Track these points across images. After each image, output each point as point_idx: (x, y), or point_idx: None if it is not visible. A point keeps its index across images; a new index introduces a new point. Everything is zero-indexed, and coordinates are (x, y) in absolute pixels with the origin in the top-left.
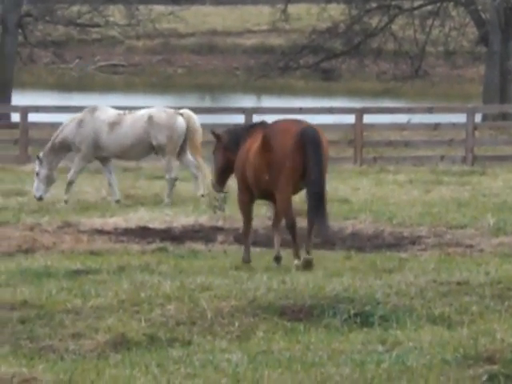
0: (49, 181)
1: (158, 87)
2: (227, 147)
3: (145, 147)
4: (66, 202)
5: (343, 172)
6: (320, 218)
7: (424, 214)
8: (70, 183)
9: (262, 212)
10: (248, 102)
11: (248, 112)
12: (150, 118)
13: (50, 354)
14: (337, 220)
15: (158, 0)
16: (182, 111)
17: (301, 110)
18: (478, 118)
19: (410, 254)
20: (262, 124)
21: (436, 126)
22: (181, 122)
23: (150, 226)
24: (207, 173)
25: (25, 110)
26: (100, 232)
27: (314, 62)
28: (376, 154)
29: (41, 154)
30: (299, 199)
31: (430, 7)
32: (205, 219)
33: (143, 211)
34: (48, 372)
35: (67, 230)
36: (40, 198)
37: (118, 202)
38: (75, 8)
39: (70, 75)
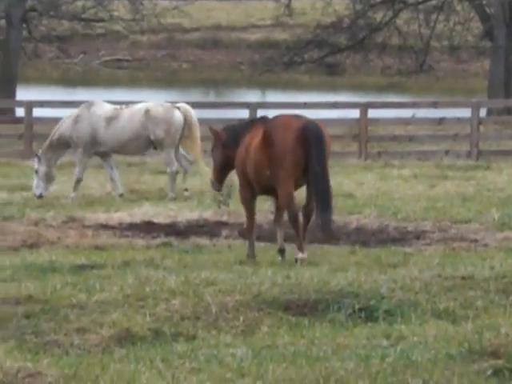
0: (48, 178)
1: (163, 82)
2: (226, 144)
3: (143, 142)
4: (73, 199)
5: (348, 167)
6: (326, 214)
7: (429, 209)
8: (78, 181)
9: (266, 207)
10: (252, 96)
11: (252, 107)
12: (147, 111)
13: (55, 348)
14: (341, 215)
15: None
16: (178, 105)
17: (305, 105)
18: (482, 112)
19: (414, 249)
20: (263, 119)
21: (441, 121)
22: (178, 115)
23: (155, 220)
24: (203, 167)
25: (29, 105)
26: (105, 227)
27: (319, 56)
28: (380, 149)
29: (39, 152)
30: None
31: (434, 2)
32: (209, 214)
33: (148, 206)
34: (53, 367)
35: (72, 224)
36: (40, 196)
37: (121, 196)
38: (80, 3)
39: (74, 70)
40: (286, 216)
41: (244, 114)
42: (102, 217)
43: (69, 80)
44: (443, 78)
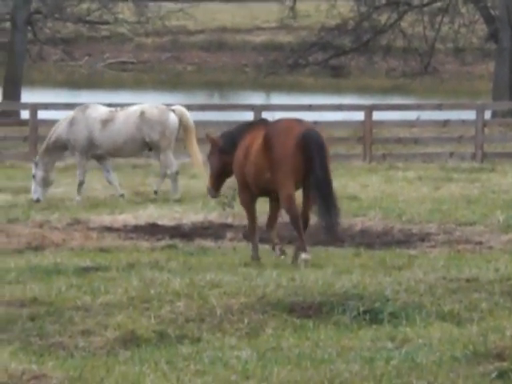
0: (45, 183)
1: (167, 84)
2: (223, 151)
3: (138, 144)
4: (78, 202)
5: (352, 169)
6: (332, 217)
7: (433, 211)
8: (80, 184)
9: None
10: (257, 99)
11: (257, 109)
12: (142, 114)
13: (60, 350)
14: (346, 217)
15: None
16: (174, 107)
17: (310, 107)
18: (487, 114)
19: (419, 251)
20: (263, 121)
21: (445, 123)
22: (173, 118)
23: (160, 223)
24: (201, 169)
25: (34, 108)
26: (109, 229)
27: (323, 59)
28: (385, 151)
29: (36, 157)
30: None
31: (439, 4)
32: (214, 216)
33: (152, 208)
34: (58, 369)
35: (77, 227)
36: (37, 201)
37: (122, 196)
38: (84, 5)
39: (79, 72)
40: (287, 218)
41: (249, 116)
42: (106, 219)
43: (73, 82)
44: (448, 80)
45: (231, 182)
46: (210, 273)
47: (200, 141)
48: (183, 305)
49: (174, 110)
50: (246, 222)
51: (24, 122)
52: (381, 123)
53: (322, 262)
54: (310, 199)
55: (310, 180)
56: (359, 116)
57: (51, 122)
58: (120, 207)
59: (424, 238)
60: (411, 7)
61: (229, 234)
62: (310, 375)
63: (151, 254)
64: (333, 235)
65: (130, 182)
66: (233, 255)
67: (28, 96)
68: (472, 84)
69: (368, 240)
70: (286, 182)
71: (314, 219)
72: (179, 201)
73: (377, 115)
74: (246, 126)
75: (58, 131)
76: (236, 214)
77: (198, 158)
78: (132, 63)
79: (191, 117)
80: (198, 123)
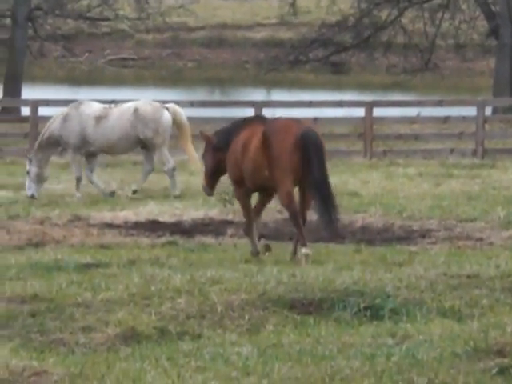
0: (39, 179)
1: (168, 81)
2: (217, 148)
3: (131, 141)
4: (78, 198)
5: (353, 165)
6: (332, 215)
7: (434, 208)
8: (78, 180)
9: (272, 206)
10: (258, 95)
11: (258, 105)
12: (136, 111)
13: (61, 347)
14: (347, 213)
15: None
16: (167, 105)
17: (311, 104)
18: (488, 111)
19: (419, 248)
20: (258, 118)
21: (446, 119)
22: (167, 115)
23: (160, 219)
24: (197, 166)
25: (35, 104)
26: (110, 226)
27: (324, 55)
28: (386, 148)
29: (30, 154)
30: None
31: (439, 0)
32: (215, 213)
33: (153, 205)
34: (58, 365)
35: (77, 223)
36: (32, 197)
37: (113, 194)
38: (85, 1)
39: (79, 69)
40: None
41: (249, 112)
42: (107, 215)
43: (74, 79)
44: (449, 77)
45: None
46: (210, 269)
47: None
48: (184, 301)
49: (167, 108)
50: None
51: (25, 119)
52: (381, 119)
53: (322, 258)
54: (306, 199)
55: (308, 180)
56: (360, 112)
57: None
58: (120, 204)
59: (425, 234)
60: (412, 3)
61: (229, 231)
62: (311, 371)
63: (152, 250)
64: (333, 232)
65: (131, 178)
66: (233, 251)
67: (29, 92)
68: (473, 80)
69: (369, 236)
70: (285, 179)
71: (313, 216)
72: (180, 197)
73: (377, 111)
74: (241, 123)
75: (52, 128)
76: (236, 211)
77: (194, 155)
78: (132, 60)
79: (192, 113)
80: (199, 120)
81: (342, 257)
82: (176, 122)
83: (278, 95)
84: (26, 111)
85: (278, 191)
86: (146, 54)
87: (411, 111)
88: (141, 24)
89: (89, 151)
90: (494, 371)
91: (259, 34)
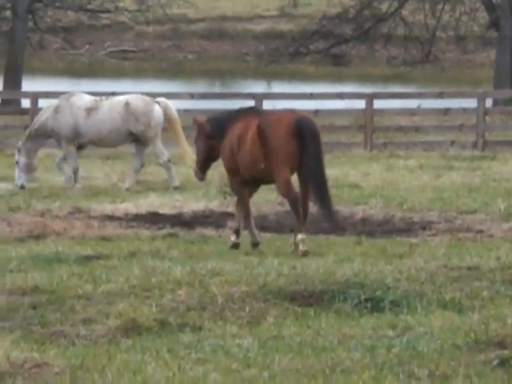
0: (28, 169)
1: (168, 73)
2: (209, 135)
3: (122, 134)
4: (78, 189)
5: (353, 157)
6: (327, 206)
7: (434, 200)
8: (75, 171)
9: (273, 197)
10: (258, 87)
11: (258, 98)
12: (127, 105)
13: (62, 339)
14: (347, 205)
15: None
16: (158, 100)
17: (311, 96)
18: (488, 102)
19: (420, 240)
20: (252, 110)
21: (446, 111)
22: (158, 109)
23: (161, 211)
24: (190, 159)
25: (35, 96)
26: (111, 218)
27: (324, 47)
28: (386, 140)
29: (19, 143)
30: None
31: None
32: (215, 205)
33: (153, 197)
34: (59, 357)
35: (78, 215)
36: (22, 187)
37: (73, 187)
38: None
39: (80, 61)
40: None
41: (250, 104)
42: (107, 208)
43: (74, 71)
44: (449, 69)
45: None
46: (211, 261)
47: None
48: (184, 293)
49: (158, 102)
50: None
51: (25, 111)
52: (382, 111)
53: (323, 250)
54: (307, 189)
55: (305, 167)
56: (360, 104)
57: None
58: (121, 196)
59: (425, 226)
60: None
61: (230, 223)
62: (312, 363)
63: (152, 242)
64: (332, 221)
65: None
66: None
67: (29, 85)
68: (473, 72)
69: (369, 228)
70: (282, 169)
71: (314, 208)
72: (179, 188)
73: (378, 103)
74: (235, 114)
75: (42, 119)
76: None
77: (187, 148)
78: (133, 52)
79: (192, 105)
80: (199, 112)
81: (342, 249)
82: (167, 117)
83: (279, 87)
84: (26, 103)
85: (276, 181)
86: (146, 46)
87: (412, 103)
88: (141, 16)
89: (80, 143)
90: (495, 363)
91: (260, 26)
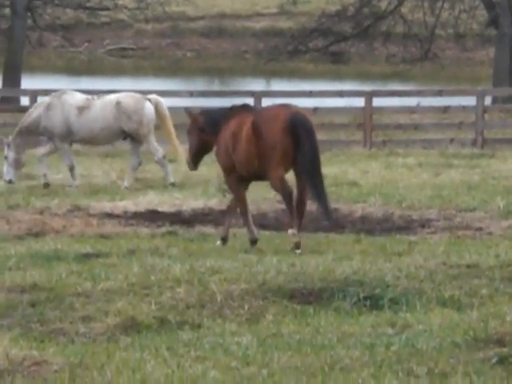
0: (17, 164)
1: (167, 71)
2: (202, 129)
3: (114, 132)
4: (76, 187)
5: (353, 155)
6: (323, 203)
7: (434, 197)
8: (71, 169)
9: (272, 195)
10: (257, 85)
11: (257, 95)
12: (118, 103)
13: (61, 336)
14: (346, 203)
15: None
16: (149, 96)
17: (310, 94)
18: (487, 100)
19: (419, 237)
20: (246, 107)
21: (446, 109)
22: (149, 106)
23: (160, 209)
24: (181, 156)
25: (34, 94)
26: (110, 215)
27: (324, 45)
28: (385, 137)
29: (9, 138)
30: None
31: None
32: (214, 203)
33: (153, 195)
34: (58, 355)
35: (77, 213)
36: (10, 182)
37: (46, 185)
38: None
39: (79, 59)
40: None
41: (249, 102)
42: (106, 205)
43: (73, 69)
44: (448, 66)
45: None
46: (210, 259)
47: None
48: (183, 291)
49: (149, 99)
50: None
51: (24, 109)
52: (381, 109)
53: (322, 248)
54: (304, 185)
55: (300, 162)
56: (359, 102)
57: None
58: (120, 194)
59: (424, 224)
60: None
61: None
62: (311, 361)
63: (151, 240)
64: (329, 218)
65: None
66: (233, 241)
67: (28, 82)
68: (472, 70)
69: (368, 226)
70: (276, 165)
71: (313, 206)
72: (175, 184)
73: (377, 101)
74: (229, 111)
75: (33, 116)
76: None
77: (178, 146)
78: (132, 49)
79: (191, 103)
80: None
81: (341, 247)
82: (158, 114)
83: (278, 85)
84: (25, 101)
85: (269, 178)
86: (145, 43)
87: (411, 101)
88: (140, 14)
89: (73, 141)
90: (494, 361)
91: (259, 24)
